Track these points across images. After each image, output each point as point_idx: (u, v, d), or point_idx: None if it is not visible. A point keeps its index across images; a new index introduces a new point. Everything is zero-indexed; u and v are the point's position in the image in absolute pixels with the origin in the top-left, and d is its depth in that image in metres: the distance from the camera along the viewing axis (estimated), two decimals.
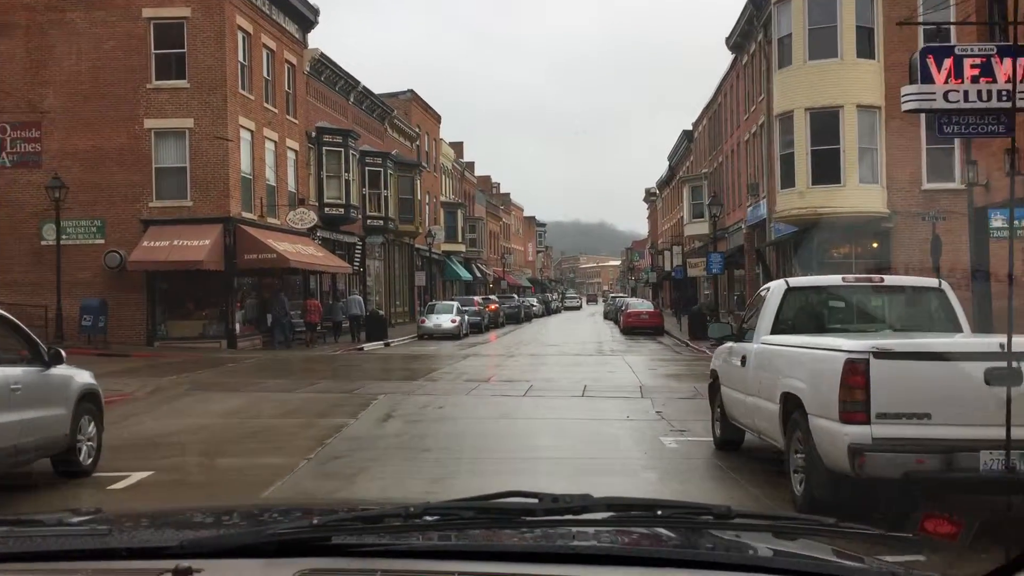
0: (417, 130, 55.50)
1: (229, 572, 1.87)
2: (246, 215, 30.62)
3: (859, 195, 27.00)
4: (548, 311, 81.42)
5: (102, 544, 2.04)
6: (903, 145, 27.51)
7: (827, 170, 27.17)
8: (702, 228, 51.15)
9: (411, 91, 55.47)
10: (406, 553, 1.92)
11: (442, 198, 62.88)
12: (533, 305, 71.71)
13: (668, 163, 72.02)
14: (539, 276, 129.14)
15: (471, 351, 31.64)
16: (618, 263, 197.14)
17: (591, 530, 2.03)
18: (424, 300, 47.52)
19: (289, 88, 35.14)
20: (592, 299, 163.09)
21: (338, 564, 1.89)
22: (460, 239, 64.82)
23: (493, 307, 52.45)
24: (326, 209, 37.69)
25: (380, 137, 47.48)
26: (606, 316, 69.61)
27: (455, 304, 41.90)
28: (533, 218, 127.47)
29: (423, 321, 39.96)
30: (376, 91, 46.48)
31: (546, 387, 18.56)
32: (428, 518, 1.98)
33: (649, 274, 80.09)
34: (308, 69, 36.68)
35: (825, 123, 27.26)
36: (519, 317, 59.98)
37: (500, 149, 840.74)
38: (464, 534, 2.01)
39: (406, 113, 53.54)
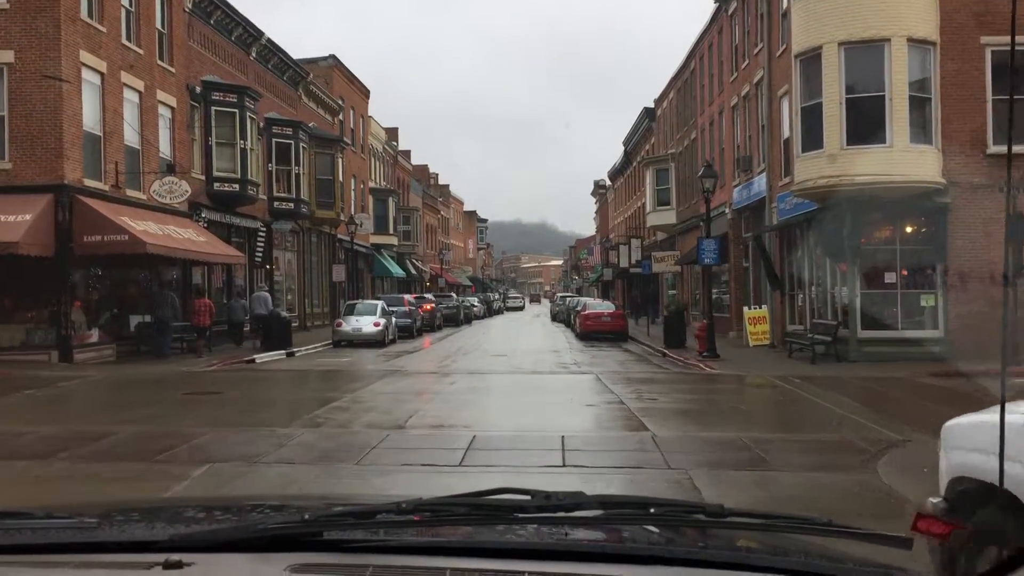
0: (340, 102, 47.75)
1: (219, 566, 1.81)
2: (91, 184, 22.90)
3: (910, 159, 20.27)
4: (490, 312, 74.90)
5: (91, 537, 1.96)
6: (963, 95, 20.95)
7: (867, 126, 20.37)
8: (668, 217, 44.45)
9: (333, 56, 47.63)
10: (398, 548, 1.84)
11: (371, 183, 55.22)
12: (474, 305, 64.76)
13: (623, 148, 65.13)
14: (480, 275, 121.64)
15: (393, 365, 24.27)
16: (560, 263, 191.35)
17: (583, 527, 1.96)
18: (349, 299, 39.96)
19: (163, 27, 27.39)
20: (535, 299, 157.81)
21: (330, 559, 1.80)
22: (392, 230, 57.26)
23: (428, 307, 45.25)
24: (215, 184, 30.04)
25: (292, 105, 39.76)
26: (554, 318, 62.53)
27: (379, 304, 34.40)
28: (474, 213, 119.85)
29: (339, 324, 32.63)
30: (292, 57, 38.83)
31: (498, 441, 11.22)
32: (420, 514, 1.92)
33: (602, 271, 73.13)
34: (190, 6, 28.93)
35: (865, 62, 20.45)
36: (458, 319, 52.84)
37: (438, 146, 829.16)
38: (456, 530, 1.97)
39: (327, 82, 45.81)
